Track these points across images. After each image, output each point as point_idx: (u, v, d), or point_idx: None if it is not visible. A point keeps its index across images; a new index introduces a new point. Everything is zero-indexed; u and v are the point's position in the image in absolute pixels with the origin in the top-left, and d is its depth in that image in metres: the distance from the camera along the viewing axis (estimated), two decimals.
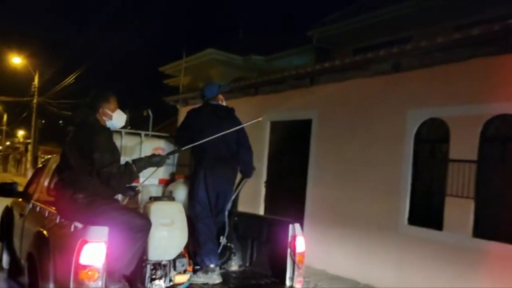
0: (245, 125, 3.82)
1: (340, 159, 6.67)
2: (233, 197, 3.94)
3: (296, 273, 3.47)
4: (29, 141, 31.88)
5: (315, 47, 12.02)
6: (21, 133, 44.37)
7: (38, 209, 3.82)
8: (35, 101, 26.99)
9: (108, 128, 3.18)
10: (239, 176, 4.04)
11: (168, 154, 3.39)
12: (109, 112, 3.21)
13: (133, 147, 4.08)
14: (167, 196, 3.51)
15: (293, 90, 7.59)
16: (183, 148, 3.58)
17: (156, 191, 4.10)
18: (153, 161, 3.15)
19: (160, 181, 4.13)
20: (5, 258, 5.00)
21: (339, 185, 6.65)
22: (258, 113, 7.48)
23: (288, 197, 7.58)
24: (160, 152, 4.05)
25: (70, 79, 25.31)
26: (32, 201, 4.12)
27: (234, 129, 3.66)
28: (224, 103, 3.99)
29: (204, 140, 3.46)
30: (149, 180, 3.79)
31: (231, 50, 13.42)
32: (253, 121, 3.77)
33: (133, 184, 3.51)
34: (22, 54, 25.64)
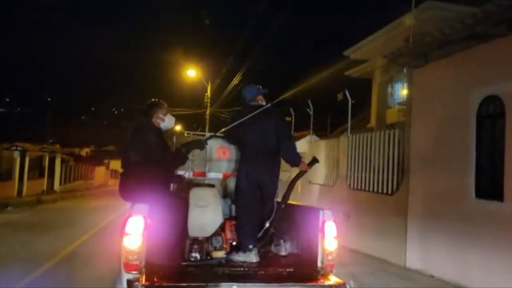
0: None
1: None
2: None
3: (328, 257, 3.68)
4: None
5: None
6: None
7: None
8: (207, 111, 30.91)
9: (159, 129, 4.03)
10: (295, 169, 4.39)
11: (206, 139, 4.21)
12: (162, 116, 4.07)
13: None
14: (207, 184, 4.16)
15: None
16: (218, 134, 4.45)
17: (221, 182, 4.78)
18: (196, 144, 4.11)
19: (224, 175, 4.79)
20: None
21: None
22: None
23: None
24: (224, 150, 4.77)
25: (234, 83, 27.09)
26: None
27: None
28: (263, 103, 4.40)
29: (228, 127, 4.23)
30: (216, 174, 4.64)
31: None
32: None
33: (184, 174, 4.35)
34: (195, 66, 28.82)
